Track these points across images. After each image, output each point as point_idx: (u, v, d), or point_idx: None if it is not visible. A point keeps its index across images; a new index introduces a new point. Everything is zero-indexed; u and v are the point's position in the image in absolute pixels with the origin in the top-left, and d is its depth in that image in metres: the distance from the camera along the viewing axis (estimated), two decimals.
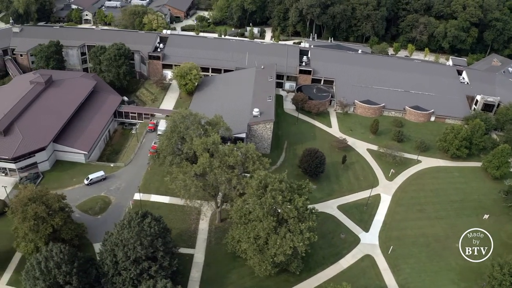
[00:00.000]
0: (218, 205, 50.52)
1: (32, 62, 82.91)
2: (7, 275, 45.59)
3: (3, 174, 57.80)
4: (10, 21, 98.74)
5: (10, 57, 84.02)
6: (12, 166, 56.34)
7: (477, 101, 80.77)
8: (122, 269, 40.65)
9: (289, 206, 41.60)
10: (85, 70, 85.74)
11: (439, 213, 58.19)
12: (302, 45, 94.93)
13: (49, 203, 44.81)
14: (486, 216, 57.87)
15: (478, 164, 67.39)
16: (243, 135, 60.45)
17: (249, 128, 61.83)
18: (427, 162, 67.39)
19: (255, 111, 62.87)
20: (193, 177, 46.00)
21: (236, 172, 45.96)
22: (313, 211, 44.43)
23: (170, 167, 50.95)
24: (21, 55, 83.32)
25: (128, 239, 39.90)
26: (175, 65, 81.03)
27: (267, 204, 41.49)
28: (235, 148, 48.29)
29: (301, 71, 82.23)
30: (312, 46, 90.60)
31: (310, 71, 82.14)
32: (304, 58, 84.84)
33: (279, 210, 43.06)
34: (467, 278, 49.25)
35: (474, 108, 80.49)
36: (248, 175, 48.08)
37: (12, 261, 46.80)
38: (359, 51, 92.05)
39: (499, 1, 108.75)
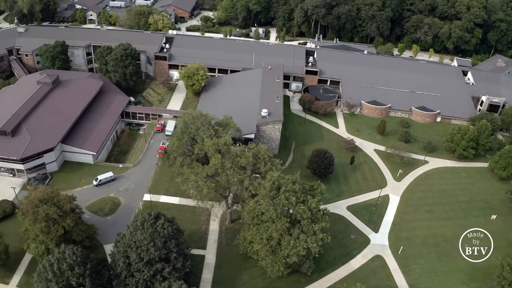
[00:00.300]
0: (229, 206, 50.48)
1: (38, 62, 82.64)
2: (17, 277, 45.37)
3: (11, 175, 57.54)
4: (15, 21, 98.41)
5: (15, 57, 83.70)
6: (20, 167, 56.17)
7: (482, 102, 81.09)
8: (135, 270, 40.55)
9: (302, 207, 41.64)
10: (91, 70, 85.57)
11: (447, 213, 58.45)
12: (308, 45, 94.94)
13: (60, 204, 44.66)
14: (494, 217, 58.09)
15: (485, 164, 67.68)
16: (252, 136, 60.43)
17: (257, 129, 61.80)
18: (434, 162, 67.61)
19: (264, 112, 62.86)
20: (205, 178, 45.96)
21: (248, 173, 45.93)
22: (325, 211, 44.54)
23: (181, 168, 50.84)
24: (26, 55, 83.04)
25: (142, 240, 39.81)
26: (181, 66, 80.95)
27: (281, 205, 41.55)
28: (246, 149, 48.28)
29: (307, 72, 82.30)
30: (318, 47, 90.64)
31: (317, 71, 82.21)
32: (310, 58, 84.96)
33: (291, 211, 43.13)
34: (476, 278, 49.45)
35: (480, 109, 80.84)
36: (258, 176, 48.15)
37: (21, 263, 46.59)
38: (365, 52, 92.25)
39: (503, 2, 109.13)
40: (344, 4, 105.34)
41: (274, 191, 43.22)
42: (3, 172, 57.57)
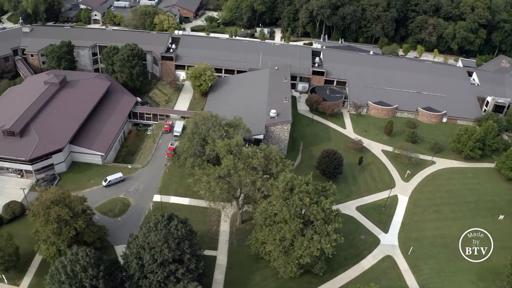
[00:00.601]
0: (240, 206, 50.50)
1: (43, 63, 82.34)
2: (27, 279, 45.19)
3: (19, 176, 57.30)
4: (20, 21, 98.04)
5: (20, 57, 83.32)
6: (28, 167, 55.93)
7: (487, 102, 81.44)
8: (149, 272, 40.49)
9: (316, 208, 41.72)
10: (96, 70, 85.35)
11: (455, 214, 58.74)
12: (314, 46, 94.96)
13: (72, 205, 44.53)
14: (501, 217, 58.36)
15: (491, 165, 68.04)
16: (261, 137, 60.45)
17: (266, 130, 61.82)
18: (441, 163, 67.86)
19: (272, 113, 62.86)
20: (216, 179, 45.94)
21: (260, 174, 45.95)
22: (338, 212, 44.63)
23: (192, 169, 50.79)
24: (31, 55, 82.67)
25: (155, 242, 39.75)
26: (188, 66, 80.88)
27: (294, 206, 41.62)
28: (258, 150, 48.29)
29: (314, 72, 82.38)
30: (324, 47, 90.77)
31: (323, 72, 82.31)
32: (317, 59, 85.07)
33: (303, 212, 43.19)
34: (485, 278, 49.71)
35: (485, 110, 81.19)
36: (267, 176, 48.15)
37: (32, 265, 46.40)
38: (371, 52, 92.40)
39: (507, 2, 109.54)
40: (349, 4, 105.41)
41: (287, 192, 43.28)
42: (11, 173, 57.35)
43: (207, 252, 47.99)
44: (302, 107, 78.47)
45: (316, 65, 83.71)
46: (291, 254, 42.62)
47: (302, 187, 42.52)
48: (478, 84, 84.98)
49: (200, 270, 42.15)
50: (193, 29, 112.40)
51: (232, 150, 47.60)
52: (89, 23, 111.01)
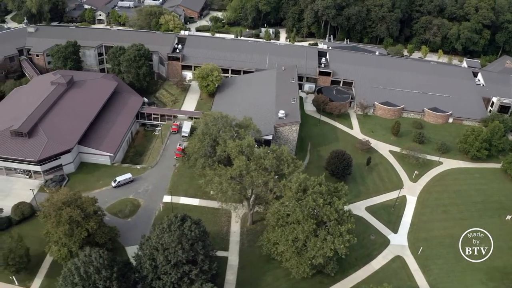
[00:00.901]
0: (251, 207, 50.52)
1: (49, 63, 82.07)
2: (38, 280, 45.03)
3: (27, 177, 57.08)
4: (24, 21, 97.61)
5: (25, 57, 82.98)
6: (37, 168, 55.73)
7: (493, 103, 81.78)
8: (162, 273, 40.45)
9: (329, 209, 41.83)
10: (102, 70, 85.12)
11: (463, 214, 59.00)
12: (319, 46, 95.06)
13: (83, 206, 44.43)
14: (508, 217, 58.64)
15: (498, 165, 68.34)
16: (270, 137, 60.48)
17: (275, 130, 61.84)
18: (448, 163, 68.10)
19: (281, 113, 62.88)
20: (228, 179, 45.95)
21: (272, 175, 46.00)
22: (350, 213, 44.76)
23: (203, 170, 50.76)
24: (37, 55, 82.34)
25: (169, 243, 39.72)
26: (194, 66, 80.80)
27: (308, 207, 41.69)
28: (269, 151, 48.35)
29: (320, 73, 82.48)
30: (330, 48, 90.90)
31: (330, 72, 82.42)
32: (323, 59, 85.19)
33: (315, 212, 43.26)
34: (494, 278, 49.97)
35: (490, 110, 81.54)
36: (277, 177, 48.17)
37: (42, 266, 46.22)
38: (377, 53, 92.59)
39: (511, 3, 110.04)
40: (354, 5, 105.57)
41: (300, 192, 43.36)
42: (19, 173, 57.15)
43: (219, 253, 47.88)
44: (309, 108, 78.56)
45: (323, 65, 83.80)
46: (304, 254, 42.73)
47: (316, 188, 42.61)
48: (483, 85, 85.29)
49: (213, 271, 42.18)
50: (198, 29, 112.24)
51: (243, 151, 47.60)
52: (94, 23, 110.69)
